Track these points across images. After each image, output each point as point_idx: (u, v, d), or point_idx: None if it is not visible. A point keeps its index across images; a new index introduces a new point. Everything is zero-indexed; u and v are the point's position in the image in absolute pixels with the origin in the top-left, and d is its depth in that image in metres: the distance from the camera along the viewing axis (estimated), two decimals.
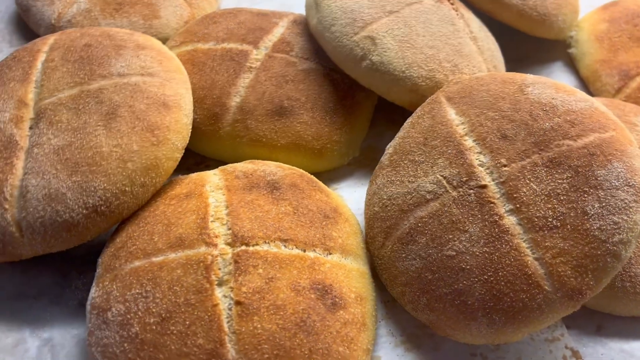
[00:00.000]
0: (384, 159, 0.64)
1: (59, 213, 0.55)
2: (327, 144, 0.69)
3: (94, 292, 0.54)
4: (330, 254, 0.57)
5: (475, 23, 0.75)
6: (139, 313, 0.51)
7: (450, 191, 0.56)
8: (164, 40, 0.80)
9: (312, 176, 0.65)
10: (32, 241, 0.56)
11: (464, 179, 0.56)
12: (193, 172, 0.71)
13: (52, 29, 0.82)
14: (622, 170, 0.53)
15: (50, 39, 0.69)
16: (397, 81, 0.66)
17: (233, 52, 0.71)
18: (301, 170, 0.65)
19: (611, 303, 0.59)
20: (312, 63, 0.72)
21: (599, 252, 0.51)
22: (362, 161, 0.74)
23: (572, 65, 0.86)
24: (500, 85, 0.60)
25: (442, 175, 0.57)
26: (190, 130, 0.63)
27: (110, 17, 0.81)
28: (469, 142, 0.58)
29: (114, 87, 0.61)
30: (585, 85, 0.82)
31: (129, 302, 0.51)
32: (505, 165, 0.55)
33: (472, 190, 0.55)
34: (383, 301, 0.61)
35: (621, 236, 0.51)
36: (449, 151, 0.58)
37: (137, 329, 0.50)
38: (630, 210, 0.52)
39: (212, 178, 0.61)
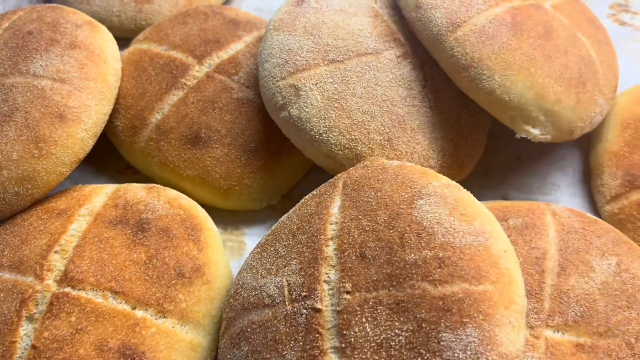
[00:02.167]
0: (267, 234, 0.57)
1: None
2: (235, 186, 0.64)
3: None
4: (164, 317, 0.54)
5: (452, 90, 0.62)
6: None
7: (286, 303, 0.49)
8: None
9: (201, 222, 0.60)
10: None
11: (304, 293, 0.48)
12: (123, 176, 0.72)
13: None
14: (476, 340, 0.42)
15: (16, 15, 0.70)
16: (313, 142, 0.58)
17: (175, 64, 0.67)
18: (194, 211, 0.61)
19: None
20: (251, 93, 0.66)
21: None
22: (287, 209, 0.67)
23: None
24: (395, 187, 0.50)
25: (287, 281, 0.50)
26: (90, 145, 0.62)
27: None
28: (329, 249, 0.49)
29: (23, 87, 0.60)
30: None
31: None
32: (348, 292, 0.46)
33: (305, 311, 0.47)
34: None
35: None
36: (307, 253, 0.50)
37: None
38: None
39: (97, 199, 0.60)
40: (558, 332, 0.53)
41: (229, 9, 0.76)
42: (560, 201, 0.68)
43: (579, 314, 0.53)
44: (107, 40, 0.68)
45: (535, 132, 0.59)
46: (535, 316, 0.53)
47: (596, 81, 0.61)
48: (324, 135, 0.57)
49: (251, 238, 0.66)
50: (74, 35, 0.65)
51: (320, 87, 0.58)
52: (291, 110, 0.58)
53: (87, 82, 0.62)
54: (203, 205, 0.63)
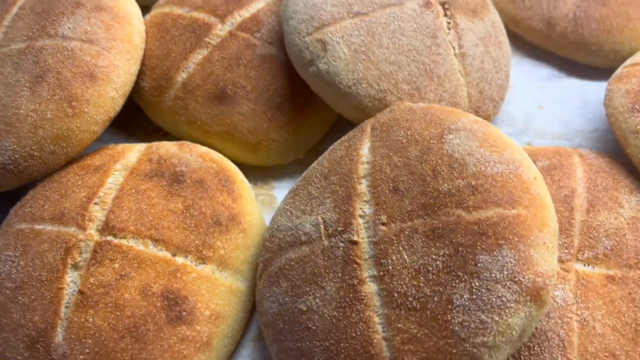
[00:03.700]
0: (299, 180, 0.58)
1: None
2: (262, 141, 0.65)
3: None
4: (203, 263, 0.55)
5: (474, 36, 0.63)
6: (3, 274, 0.54)
7: (323, 239, 0.50)
8: None
9: (233, 174, 0.62)
10: None
11: (340, 228, 0.50)
12: (152, 138, 0.73)
13: None
14: (511, 260, 0.44)
15: None
16: (342, 96, 0.59)
17: (198, 24, 0.68)
18: (226, 164, 0.63)
19: None
20: (274, 49, 0.67)
21: (454, 351, 0.44)
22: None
23: None
24: (424, 125, 0.51)
25: (322, 218, 0.51)
26: (120, 104, 0.63)
27: None
28: (362, 186, 0.51)
29: (53, 48, 0.62)
30: None
31: (1, 261, 0.55)
32: (384, 224, 0.48)
33: (342, 244, 0.49)
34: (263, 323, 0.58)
35: (486, 338, 0.43)
36: (340, 192, 0.52)
37: None
38: (506, 311, 0.43)
39: (131, 155, 0.61)
40: (588, 265, 0.54)
41: None
42: (585, 146, 0.69)
43: (608, 247, 0.54)
44: (130, 3, 0.69)
45: None
46: (566, 251, 0.54)
47: None
48: (353, 87, 0.58)
49: (281, 191, 0.68)
50: None
51: (346, 40, 0.59)
52: (319, 65, 0.59)
53: (115, 43, 0.63)
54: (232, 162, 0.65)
